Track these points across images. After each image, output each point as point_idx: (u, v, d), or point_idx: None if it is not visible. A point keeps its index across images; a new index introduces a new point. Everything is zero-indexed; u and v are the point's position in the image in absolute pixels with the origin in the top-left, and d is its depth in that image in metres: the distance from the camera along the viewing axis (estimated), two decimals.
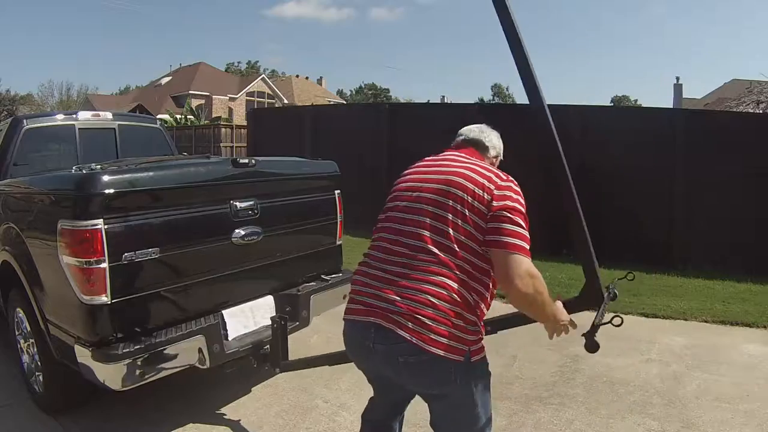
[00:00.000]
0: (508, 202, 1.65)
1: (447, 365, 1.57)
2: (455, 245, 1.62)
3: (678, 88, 24.23)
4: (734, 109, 12.48)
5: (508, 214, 1.63)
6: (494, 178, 1.71)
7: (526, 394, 3.26)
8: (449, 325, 1.56)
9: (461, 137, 2.00)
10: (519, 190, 1.74)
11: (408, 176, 1.85)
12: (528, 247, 1.62)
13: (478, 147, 1.95)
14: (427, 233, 1.64)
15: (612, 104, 48.36)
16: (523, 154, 7.41)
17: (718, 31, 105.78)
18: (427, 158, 1.89)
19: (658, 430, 2.86)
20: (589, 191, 7.05)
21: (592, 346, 1.84)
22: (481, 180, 1.68)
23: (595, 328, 1.90)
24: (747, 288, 5.65)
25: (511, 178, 1.76)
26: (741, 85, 16.27)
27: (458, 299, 1.59)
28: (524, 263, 1.59)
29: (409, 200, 1.74)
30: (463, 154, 1.85)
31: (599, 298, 2.07)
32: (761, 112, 12.27)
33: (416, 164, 1.89)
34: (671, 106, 19.02)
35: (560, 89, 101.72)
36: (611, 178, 6.95)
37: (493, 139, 2.00)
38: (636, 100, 60.82)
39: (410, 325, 1.55)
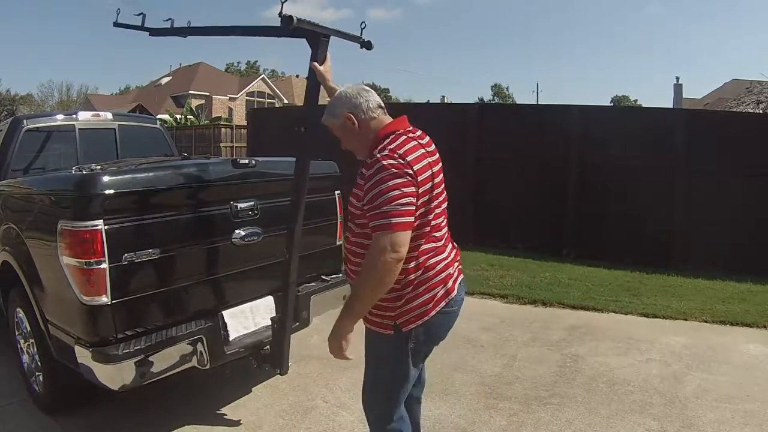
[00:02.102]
0: None
1: None
2: None
3: (678, 88, 24.20)
4: (734, 109, 12.48)
5: None
6: None
7: (526, 394, 3.26)
8: None
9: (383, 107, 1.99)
10: None
11: (426, 163, 1.84)
12: None
13: None
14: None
15: (612, 104, 48.32)
16: (524, 154, 7.47)
17: (718, 31, 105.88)
18: (413, 136, 1.89)
19: (658, 430, 2.87)
20: (589, 191, 7.11)
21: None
22: None
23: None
24: (747, 288, 5.64)
25: None
26: (741, 85, 16.27)
27: None
28: None
29: (438, 187, 1.91)
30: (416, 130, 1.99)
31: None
32: (761, 112, 12.26)
33: (417, 146, 1.86)
34: (671, 106, 19.02)
35: (560, 89, 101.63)
36: (611, 178, 6.96)
37: None
38: (636, 100, 60.73)
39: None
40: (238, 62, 62.84)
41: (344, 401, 3.15)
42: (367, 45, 2.73)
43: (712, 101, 19.73)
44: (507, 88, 67.08)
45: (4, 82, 58.29)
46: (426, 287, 1.84)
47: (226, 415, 3.01)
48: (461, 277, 2.03)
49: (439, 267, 1.87)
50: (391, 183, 1.71)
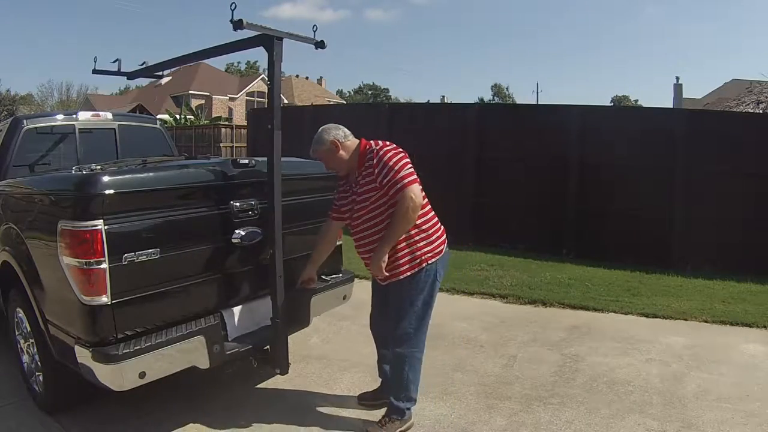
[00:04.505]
0: None
1: None
2: None
3: (678, 88, 24.20)
4: (734, 109, 12.47)
5: None
6: None
7: (526, 394, 3.26)
8: None
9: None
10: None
11: None
12: None
13: None
14: None
15: (612, 104, 48.34)
16: (523, 154, 7.47)
17: (717, 31, 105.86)
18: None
19: (658, 430, 2.86)
20: (589, 191, 7.11)
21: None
22: None
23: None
24: (747, 288, 5.64)
25: None
26: (741, 85, 16.26)
27: None
28: None
29: None
30: None
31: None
32: (761, 112, 12.26)
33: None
34: (671, 106, 19.02)
35: (560, 89, 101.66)
36: (611, 178, 6.96)
37: None
38: (636, 100, 60.82)
39: None
40: (238, 62, 62.61)
41: (344, 401, 3.15)
42: (320, 45, 2.98)
43: (712, 101, 19.70)
44: (507, 88, 67.13)
45: (4, 82, 58.43)
46: (437, 235, 2.75)
47: (226, 414, 3.00)
48: None
49: (439, 223, 2.80)
50: (396, 158, 2.61)
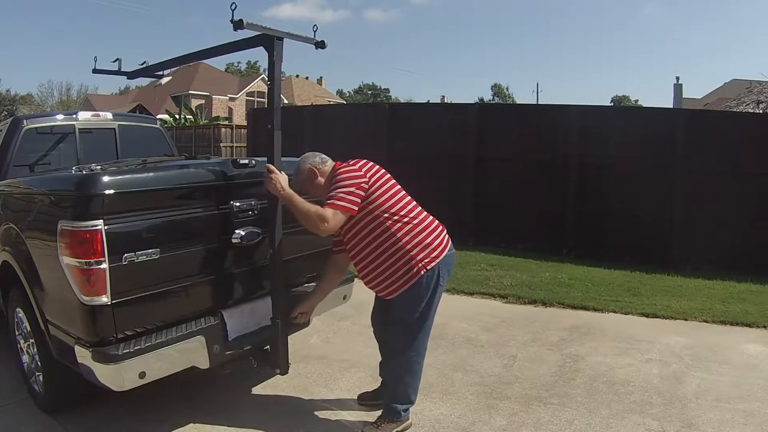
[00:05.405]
0: None
1: None
2: None
3: (678, 88, 24.18)
4: (734, 109, 12.48)
5: None
6: None
7: (526, 394, 3.26)
8: None
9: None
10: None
11: (372, 165, 2.72)
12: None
13: None
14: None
15: (612, 104, 48.34)
16: (523, 154, 7.47)
17: (717, 31, 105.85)
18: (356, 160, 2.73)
19: (658, 430, 2.87)
20: (589, 191, 7.11)
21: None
22: None
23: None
24: (747, 288, 5.64)
25: None
26: (741, 85, 16.28)
27: None
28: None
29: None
30: None
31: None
32: (761, 112, 12.26)
33: (361, 158, 2.74)
34: (671, 106, 19.02)
35: (560, 89, 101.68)
36: (611, 178, 6.96)
37: None
38: (636, 100, 60.91)
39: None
40: (238, 62, 62.64)
41: (344, 401, 3.15)
42: (320, 45, 2.98)
43: (712, 101, 19.74)
44: (507, 88, 67.25)
45: (4, 82, 58.48)
46: (433, 236, 2.68)
47: (226, 415, 3.01)
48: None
49: (435, 223, 2.76)
50: (345, 182, 2.57)
